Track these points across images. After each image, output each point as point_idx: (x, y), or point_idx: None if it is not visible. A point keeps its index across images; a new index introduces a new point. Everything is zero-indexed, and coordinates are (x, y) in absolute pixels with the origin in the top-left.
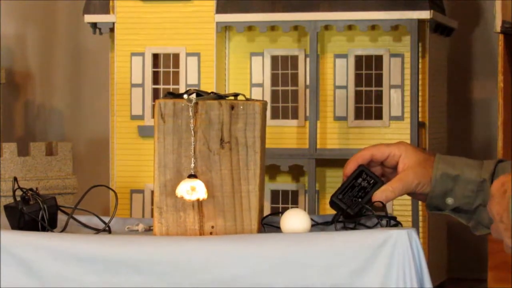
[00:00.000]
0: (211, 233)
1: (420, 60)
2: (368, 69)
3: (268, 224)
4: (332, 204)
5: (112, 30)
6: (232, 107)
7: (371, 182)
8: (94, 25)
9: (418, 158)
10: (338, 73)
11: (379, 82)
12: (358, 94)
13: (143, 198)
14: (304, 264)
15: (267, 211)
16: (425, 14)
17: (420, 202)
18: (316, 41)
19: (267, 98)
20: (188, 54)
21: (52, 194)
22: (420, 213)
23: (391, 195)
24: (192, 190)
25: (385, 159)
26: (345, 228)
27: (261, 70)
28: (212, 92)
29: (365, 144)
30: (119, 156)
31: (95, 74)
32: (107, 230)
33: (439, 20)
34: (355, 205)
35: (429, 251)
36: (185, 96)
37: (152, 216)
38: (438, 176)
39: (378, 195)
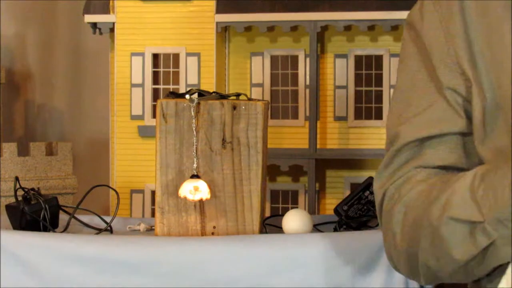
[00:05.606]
0: (212, 234)
1: None
2: (368, 69)
3: (270, 225)
4: (337, 213)
5: (112, 30)
6: (234, 107)
7: None
8: (94, 25)
9: None
10: (338, 73)
11: (379, 82)
12: (358, 94)
13: (143, 198)
14: (306, 265)
15: (266, 211)
16: None
17: None
18: (316, 41)
19: (267, 98)
20: (188, 54)
21: (52, 194)
22: None
23: None
24: (195, 190)
25: None
26: (348, 227)
27: (261, 70)
28: (214, 92)
29: (365, 144)
30: (119, 156)
31: (95, 74)
32: (109, 230)
33: None
34: (357, 220)
35: None
36: (187, 96)
37: (152, 216)
38: None
39: None
